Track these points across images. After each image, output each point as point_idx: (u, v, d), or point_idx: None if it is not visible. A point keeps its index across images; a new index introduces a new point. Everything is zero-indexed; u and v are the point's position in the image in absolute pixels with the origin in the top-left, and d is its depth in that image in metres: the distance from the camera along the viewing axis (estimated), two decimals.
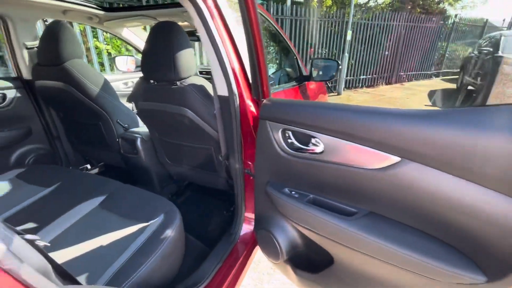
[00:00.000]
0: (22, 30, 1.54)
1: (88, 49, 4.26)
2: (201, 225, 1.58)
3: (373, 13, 7.19)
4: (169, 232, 0.94)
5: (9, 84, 1.58)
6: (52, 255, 0.61)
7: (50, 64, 1.43)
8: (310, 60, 2.43)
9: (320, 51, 6.71)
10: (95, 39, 4.25)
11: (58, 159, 1.89)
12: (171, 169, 1.62)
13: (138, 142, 1.54)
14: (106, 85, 1.54)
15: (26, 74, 1.64)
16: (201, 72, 2.64)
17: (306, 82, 1.93)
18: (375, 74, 7.67)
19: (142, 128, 1.69)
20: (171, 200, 1.77)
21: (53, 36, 1.38)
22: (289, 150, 0.92)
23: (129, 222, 1.00)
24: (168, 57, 1.08)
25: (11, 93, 1.59)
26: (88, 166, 2.02)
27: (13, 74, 1.65)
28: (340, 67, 2.26)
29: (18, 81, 1.62)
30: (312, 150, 0.87)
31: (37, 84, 1.54)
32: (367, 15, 7.12)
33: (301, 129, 0.86)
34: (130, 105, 2.11)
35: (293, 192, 0.96)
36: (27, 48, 1.58)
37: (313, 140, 0.86)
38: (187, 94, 1.13)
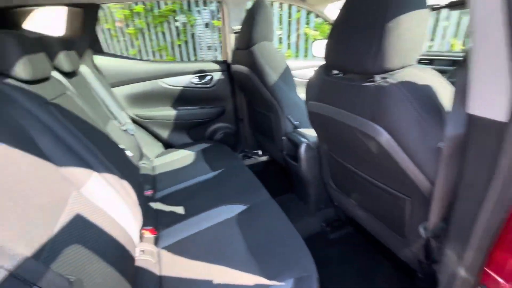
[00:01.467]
0: (233, 14, 1.60)
1: (298, 36, 4.50)
2: None
3: None
4: None
5: (217, 67, 1.75)
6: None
7: (243, 47, 1.38)
8: None
9: None
10: (306, 25, 4.37)
11: (239, 139, 2.00)
12: (334, 195, 1.18)
13: (302, 149, 1.21)
14: (286, 73, 1.30)
15: (230, 58, 1.75)
16: (420, 61, 1.81)
17: None
18: None
19: (313, 130, 1.34)
20: (322, 231, 1.37)
21: (250, 17, 1.29)
22: None
23: (252, 260, 0.79)
24: (372, 27, 0.60)
25: (217, 75, 1.77)
26: (260, 152, 2.02)
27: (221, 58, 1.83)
28: None
29: (224, 64, 1.77)
30: None
31: (233, 68, 1.59)
32: None
33: None
34: None
35: None
36: (234, 33, 1.65)
37: None
38: (389, 101, 0.60)
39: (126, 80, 1.60)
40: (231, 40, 1.68)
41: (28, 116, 0.68)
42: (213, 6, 4.63)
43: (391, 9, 0.57)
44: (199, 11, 4.81)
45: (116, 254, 0.71)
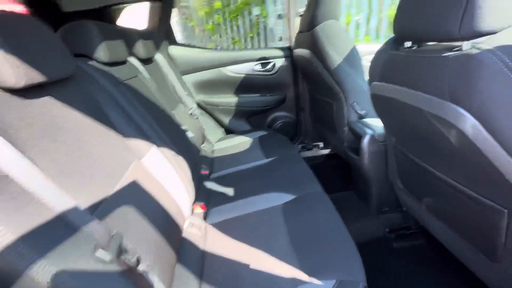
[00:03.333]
0: None
1: (380, 20, 4.00)
2: None
3: None
4: None
5: (280, 53, 1.70)
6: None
7: (306, 29, 1.29)
8: None
9: None
10: (390, 6, 3.84)
11: (299, 129, 1.93)
12: (402, 197, 1.00)
13: (365, 141, 1.06)
14: (353, 56, 1.16)
15: (293, 43, 1.67)
16: None
17: None
18: None
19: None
20: (385, 237, 1.19)
21: None
22: None
23: (293, 253, 0.74)
24: None
25: (279, 62, 1.72)
26: (321, 145, 1.89)
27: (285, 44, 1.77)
28: None
29: (287, 50, 1.70)
30: None
31: (295, 53, 1.51)
32: None
33: None
34: None
35: None
36: (299, 16, 1.56)
37: None
38: (478, 72, 0.44)
39: (195, 68, 1.72)
40: (296, 23, 1.59)
41: (103, 92, 0.79)
42: None
43: None
44: (275, 1, 4.81)
45: (165, 223, 0.76)
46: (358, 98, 1.20)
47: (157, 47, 1.47)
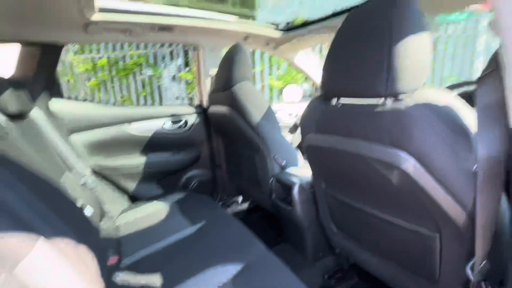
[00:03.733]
0: (209, 58, 1.60)
1: (263, 87, 4.78)
2: None
3: None
4: None
5: (192, 110, 1.66)
6: None
7: (222, 89, 1.33)
8: None
9: None
10: (270, 76, 4.69)
11: (216, 187, 1.83)
12: (335, 240, 1.05)
13: (295, 190, 1.10)
14: (270, 113, 1.26)
15: (205, 102, 1.69)
16: None
17: None
18: None
19: (302, 169, 1.26)
20: (326, 285, 1.20)
21: (229, 59, 1.27)
22: None
23: None
24: (378, 49, 0.57)
25: (192, 119, 1.67)
26: (240, 199, 1.85)
27: (196, 102, 1.77)
28: None
29: (199, 108, 1.69)
30: None
31: (209, 110, 1.52)
32: None
33: None
34: (290, 138, 1.82)
35: None
36: (210, 76, 1.63)
37: None
38: (412, 123, 0.54)
39: (87, 126, 1.41)
40: (207, 84, 1.64)
41: None
42: (180, 61, 4.79)
43: (395, 30, 0.56)
44: (165, 65, 4.92)
45: None
46: (278, 151, 1.28)
47: (34, 99, 1.12)
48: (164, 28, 1.38)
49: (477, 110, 0.51)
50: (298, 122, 2.11)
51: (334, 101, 0.73)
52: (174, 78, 4.95)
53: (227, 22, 1.49)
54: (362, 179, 0.74)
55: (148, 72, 4.85)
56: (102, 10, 1.14)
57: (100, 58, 4.58)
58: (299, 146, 2.03)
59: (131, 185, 1.56)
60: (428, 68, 0.59)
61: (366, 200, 0.79)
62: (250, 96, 1.23)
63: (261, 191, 1.40)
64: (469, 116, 0.55)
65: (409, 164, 0.55)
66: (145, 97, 4.86)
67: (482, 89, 0.50)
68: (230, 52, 1.29)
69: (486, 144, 0.50)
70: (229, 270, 0.82)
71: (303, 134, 0.86)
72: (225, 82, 1.29)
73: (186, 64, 4.87)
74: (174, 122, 1.62)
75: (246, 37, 1.59)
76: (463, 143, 0.52)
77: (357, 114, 0.65)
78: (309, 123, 0.81)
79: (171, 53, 4.76)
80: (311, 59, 1.97)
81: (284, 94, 2.20)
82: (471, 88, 1.13)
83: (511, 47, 0.41)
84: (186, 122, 1.65)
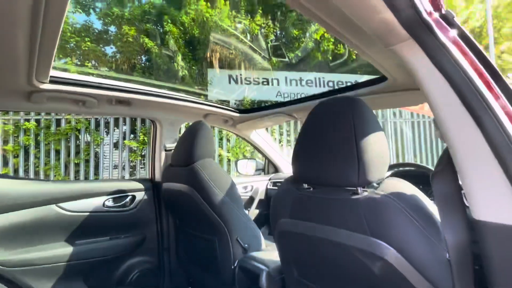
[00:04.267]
0: (166, 133, 1.55)
1: (213, 158, 4.80)
2: None
3: None
4: None
5: (140, 185, 1.50)
6: None
7: (181, 164, 1.26)
8: None
9: None
10: (220, 148, 4.78)
11: (161, 277, 1.53)
12: None
13: (263, 279, 0.99)
14: (232, 190, 1.22)
15: (158, 177, 1.56)
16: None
17: None
18: None
19: (267, 253, 1.17)
20: None
21: (191, 134, 1.25)
22: None
23: None
24: (347, 144, 0.63)
25: (140, 195, 1.48)
26: None
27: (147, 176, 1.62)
28: None
29: (149, 183, 1.54)
30: None
31: (164, 186, 1.39)
32: None
33: None
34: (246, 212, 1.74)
35: None
36: (165, 150, 1.55)
37: None
38: (388, 213, 0.57)
39: None
40: (162, 157, 1.55)
41: None
42: (125, 127, 4.59)
43: (358, 128, 0.63)
44: (107, 132, 4.62)
45: None
46: (241, 232, 1.18)
47: None
48: (122, 101, 1.33)
49: (436, 201, 0.58)
50: (254, 194, 2.09)
51: (304, 186, 0.74)
52: (116, 145, 4.62)
53: (187, 100, 1.53)
54: (340, 268, 0.71)
55: (86, 138, 4.45)
56: (54, 80, 1.05)
57: (27, 120, 4.07)
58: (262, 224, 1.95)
59: (46, 287, 1.18)
60: (388, 160, 0.67)
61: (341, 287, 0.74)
62: (213, 174, 1.18)
63: (219, 280, 1.21)
64: (431, 205, 0.61)
65: (391, 255, 0.56)
66: (77, 164, 4.30)
67: (438, 180, 0.58)
68: (193, 128, 1.28)
69: (452, 232, 0.54)
70: None
71: (275, 218, 0.83)
72: (186, 158, 1.23)
73: (132, 131, 4.67)
74: (115, 200, 1.40)
75: (206, 114, 1.64)
76: (434, 231, 0.56)
77: (333, 201, 0.67)
78: (283, 207, 0.79)
79: (116, 118, 4.55)
80: (264, 137, 2.11)
81: (239, 166, 2.22)
82: (408, 168, 1.32)
83: (458, 148, 0.50)
84: (133, 199, 1.46)
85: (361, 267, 0.63)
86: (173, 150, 1.43)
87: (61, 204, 1.25)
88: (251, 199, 2.06)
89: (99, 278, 1.33)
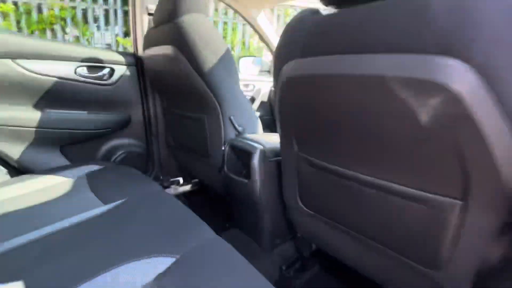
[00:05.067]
0: None
1: None
2: None
3: None
4: None
5: (120, 58, 1.24)
6: None
7: (164, 21, 0.98)
8: None
9: None
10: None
11: (150, 163, 1.45)
12: (300, 222, 0.83)
13: (256, 158, 0.84)
14: (228, 59, 0.96)
15: (141, 51, 1.29)
16: None
17: None
18: None
19: (264, 135, 1.01)
20: (283, 277, 0.98)
21: None
22: None
23: None
24: None
25: (121, 70, 1.25)
26: (180, 181, 1.51)
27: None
28: None
29: (132, 57, 1.28)
30: None
31: (146, 54, 1.14)
32: None
33: None
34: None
35: None
36: (148, 14, 1.24)
37: None
38: (484, 14, 0.33)
39: None
40: (144, 23, 1.25)
41: None
42: (117, 29, 4.05)
43: None
44: (98, 27, 4.11)
45: None
46: (235, 110, 1.00)
47: None
48: None
49: None
50: (256, 95, 1.87)
51: (323, 13, 0.49)
52: (108, 46, 4.18)
53: None
54: (360, 126, 0.51)
55: (73, 31, 3.98)
56: None
57: (2, 1, 3.55)
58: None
59: (15, 151, 1.08)
60: None
61: (359, 161, 0.57)
62: (202, 32, 0.91)
63: (209, 164, 1.10)
64: None
65: (466, 81, 0.34)
66: None
67: None
68: None
69: None
70: (155, 266, 0.52)
71: (279, 65, 0.60)
72: (170, 12, 0.94)
73: (126, 33, 4.16)
74: (90, 69, 1.18)
75: None
76: None
77: (376, 18, 0.42)
78: (294, 45, 0.55)
79: (106, 14, 3.98)
80: (275, 26, 1.74)
81: (241, 65, 1.93)
82: None
83: None
84: (111, 72, 1.23)
85: (399, 117, 0.43)
86: (155, 10, 1.12)
87: (20, 61, 1.03)
88: (252, 99, 1.85)
89: (78, 153, 1.23)
